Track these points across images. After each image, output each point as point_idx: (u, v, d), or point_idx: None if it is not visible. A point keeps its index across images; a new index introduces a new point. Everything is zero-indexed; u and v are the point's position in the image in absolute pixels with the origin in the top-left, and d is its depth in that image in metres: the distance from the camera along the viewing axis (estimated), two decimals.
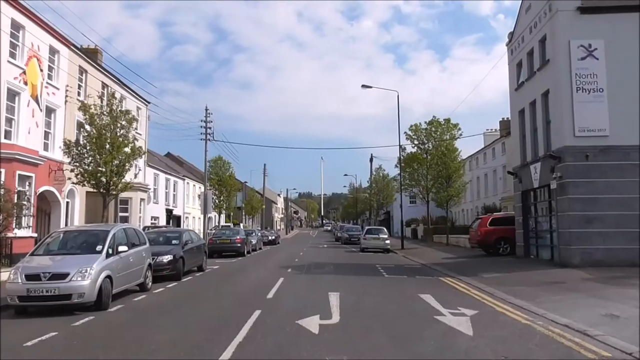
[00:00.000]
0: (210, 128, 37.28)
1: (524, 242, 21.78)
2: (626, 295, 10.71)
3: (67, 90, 23.14)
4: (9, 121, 19.10)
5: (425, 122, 35.80)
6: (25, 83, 19.79)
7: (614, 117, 17.23)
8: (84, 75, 25.13)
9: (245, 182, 70.57)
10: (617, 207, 16.85)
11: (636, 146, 16.95)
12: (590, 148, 17.27)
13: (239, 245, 26.69)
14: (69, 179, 21.57)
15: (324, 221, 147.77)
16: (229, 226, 44.94)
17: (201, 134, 37.18)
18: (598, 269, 15.57)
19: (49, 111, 21.88)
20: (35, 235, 19.18)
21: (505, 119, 39.71)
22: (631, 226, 16.63)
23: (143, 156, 27.63)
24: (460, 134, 35.20)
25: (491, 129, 48.16)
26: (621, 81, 17.27)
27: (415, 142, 35.80)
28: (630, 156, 16.97)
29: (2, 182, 16.46)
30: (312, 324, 8.33)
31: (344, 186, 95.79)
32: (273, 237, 44.38)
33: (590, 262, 16.52)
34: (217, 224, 48.01)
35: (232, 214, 56.87)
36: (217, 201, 44.18)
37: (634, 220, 16.62)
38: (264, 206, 69.33)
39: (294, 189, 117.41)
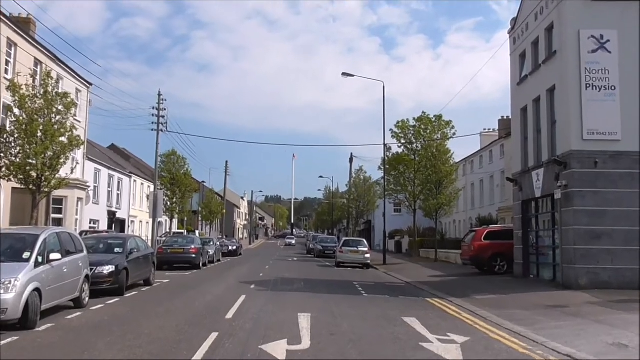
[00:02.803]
0: (163, 117, 37.08)
1: (523, 259, 22.12)
2: (635, 321, 10.96)
3: None
4: None
5: (414, 119, 36.06)
6: None
7: (627, 118, 17.53)
8: (13, 49, 24.70)
9: (203, 181, 70.19)
10: (627, 221, 17.14)
11: None
12: (600, 153, 17.55)
13: (193, 255, 26.63)
14: None
15: (294, 230, 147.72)
16: (182, 233, 44.57)
17: (152, 123, 36.97)
18: (605, 292, 15.93)
19: None
20: None
21: (505, 117, 40.38)
22: None
23: (82, 147, 27.30)
24: (454, 134, 35.56)
25: (489, 129, 49.02)
26: (635, 78, 17.57)
27: (402, 141, 36.07)
28: None
29: None
30: (278, 349, 8.31)
31: (319, 190, 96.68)
32: (234, 248, 44.37)
33: (597, 284, 16.85)
34: (168, 231, 47.59)
35: (186, 219, 56.43)
36: (169, 203, 43.77)
37: None
38: (224, 211, 68.94)
39: (260, 191, 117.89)
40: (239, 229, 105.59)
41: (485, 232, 25.26)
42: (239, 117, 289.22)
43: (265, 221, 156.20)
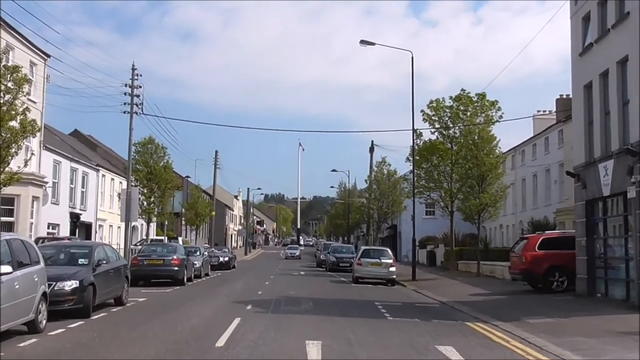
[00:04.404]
0: (137, 96, 36.98)
1: (587, 273, 21.95)
2: None
3: None
4: None
5: (451, 98, 35.76)
6: None
7: None
8: None
9: (188, 177, 70.27)
10: None
11: None
12: None
13: (175, 268, 26.83)
14: None
15: (300, 238, 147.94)
16: (161, 241, 44.58)
17: (124, 104, 36.86)
18: None
19: None
20: None
21: (565, 96, 39.95)
22: None
23: (38, 134, 27.28)
24: (500, 116, 35.20)
25: (544, 111, 48.66)
26: None
27: (436, 125, 35.95)
28: None
29: None
30: None
31: (331, 187, 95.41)
32: (226, 259, 44.50)
33: None
34: (144, 237, 47.66)
35: (167, 222, 56.57)
36: (145, 203, 43.82)
37: None
38: (214, 213, 69.02)
39: (259, 189, 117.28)
40: (231, 235, 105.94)
41: (540, 240, 25.09)
42: (232, 97, 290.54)
43: (264, 226, 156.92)
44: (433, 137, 36.96)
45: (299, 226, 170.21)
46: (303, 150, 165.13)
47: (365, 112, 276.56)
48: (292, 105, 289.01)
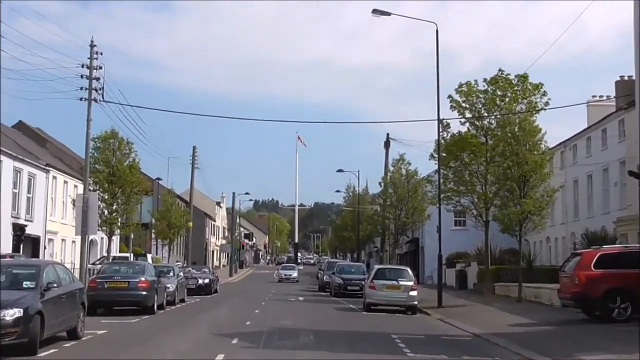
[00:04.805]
0: (98, 79, 36.89)
1: None
2: None
3: None
4: None
5: (485, 80, 35.41)
6: None
7: None
8: None
9: (159, 179, 70.37)
10: None
11: None
12: None
13: (143, 293, 26.75)
14: None
15: (298, 254, 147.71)
16: (126, 258, 44.60)
17: (81, 89, 36.79)
18: None
19: None
20: None
21: (627, 78, 39.93)
22: None
23: None
24: (546, 103, 34.70)
25: (600, 96, 48.46)
26: None
27: (467, 114, 35.67)
28: None
29: None
30: None
31: (337, 191, 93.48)
32: (207, 281, 44.51)
33: None
34: (105, 254, 47.55)
35: (133, 236, 56.32)
36: (106, 212, 43.59)
37: None
38: (191, 224, 68.70)
39: (247, 193, 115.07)
40: (213, 252, 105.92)
41: (597, 257, 24.82)
42: (214, 81, 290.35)
43: (254, 240, 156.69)
44: (463, 129, 36.65)
45: (297, 240, 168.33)
46: (305, 146, 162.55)
47: (378, 99, 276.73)
48: (290, 91, 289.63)
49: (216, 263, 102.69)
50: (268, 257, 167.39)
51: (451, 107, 36.00)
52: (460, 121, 36.42)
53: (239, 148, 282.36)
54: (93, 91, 36.79)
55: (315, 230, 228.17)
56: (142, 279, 27.02)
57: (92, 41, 37.29)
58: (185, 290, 37.05)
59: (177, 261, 62.12)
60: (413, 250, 69.80)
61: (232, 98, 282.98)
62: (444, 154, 36.78)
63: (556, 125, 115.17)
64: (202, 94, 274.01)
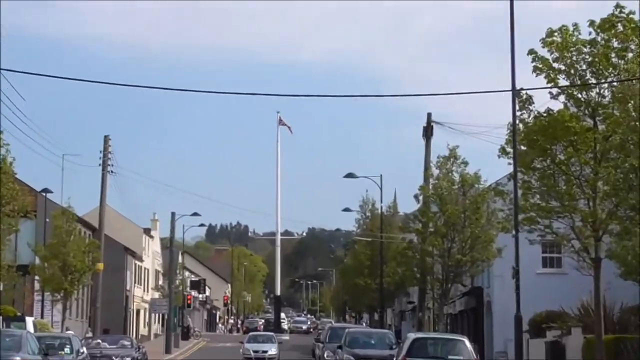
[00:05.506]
0: None
1: None
2: None
3: None
4: None
5: (592, 24, 27.52)
6: None
7: None
8: None
9: (47, 190, 58.42)
10: None
11: None
12: None
13: None
14: None
15: (282, 316, 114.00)
16: None
17: None
18: None
19: None
20: None
21: None
22: None
23: None
24: None
25: None
26: None
27: (562, 80, 28.26)
28: None
29: None
30: None
31: (345, 209, 70.44)
32: None
33: None
34: None
35: (2, 286, 46.84)
36: None
37: None
38: (101, 265, 55.79)
39: (196, 214, 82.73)
40: (139, 311, 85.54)
41: None
42: (162, 31, 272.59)
43: (207, 291, 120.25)
44: (556, 106, 28.82)
45: (278, 292, 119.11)
46: (291, 133, 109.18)
47: (410, 53, 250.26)
48: (270, 45, 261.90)
49: (143, 331, 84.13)
50: (231, 321, 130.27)
51: (535, 69, 28.61)
52: (550, 92, 28.88)
53: (182, 141, 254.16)
54: None
55: (309, 276, 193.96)
56: (17, 358, 23.03)
57: None
58: None
59: (89, 332, 50.94)
60: (473, 308, 57.50)
61: (170, 54, 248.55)
62: (523, 148, 29.91)
63: None
64: (117, 48, 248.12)
